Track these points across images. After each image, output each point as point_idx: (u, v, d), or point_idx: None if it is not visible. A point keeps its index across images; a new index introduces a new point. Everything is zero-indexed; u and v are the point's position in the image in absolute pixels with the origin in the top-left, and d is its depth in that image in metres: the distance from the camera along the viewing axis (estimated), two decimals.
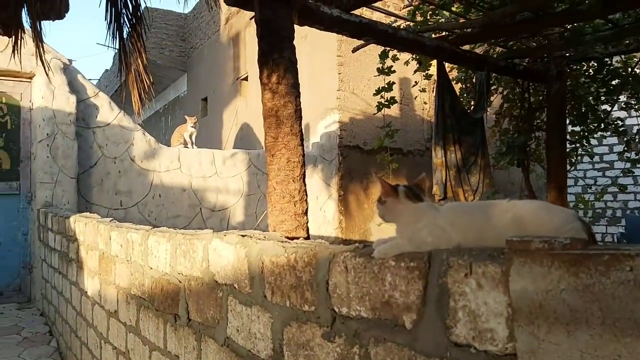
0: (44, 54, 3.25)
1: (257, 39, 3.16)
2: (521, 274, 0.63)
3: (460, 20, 4.85)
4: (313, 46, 7.30)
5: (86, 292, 2.71)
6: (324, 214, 6.85)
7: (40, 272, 4.53)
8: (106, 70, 17.83)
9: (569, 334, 0.57)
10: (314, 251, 1.07)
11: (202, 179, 5.96)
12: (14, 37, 3.16)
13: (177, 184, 5.77)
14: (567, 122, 5.69)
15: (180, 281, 1.62)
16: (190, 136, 6.72)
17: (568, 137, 5.75)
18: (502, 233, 0.72)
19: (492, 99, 6.11)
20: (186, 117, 6.96)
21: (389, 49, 5.20)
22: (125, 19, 3.37)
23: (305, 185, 3.12)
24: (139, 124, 5.85)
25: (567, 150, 5.68)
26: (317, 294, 1.03)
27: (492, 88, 5.99)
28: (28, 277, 4.86)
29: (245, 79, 10.09)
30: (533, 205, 0.88)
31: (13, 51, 3.18)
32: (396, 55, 5.43)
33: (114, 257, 2.26)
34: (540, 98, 6.01)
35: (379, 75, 5.46)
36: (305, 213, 3.05)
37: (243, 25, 9.89)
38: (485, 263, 0.69)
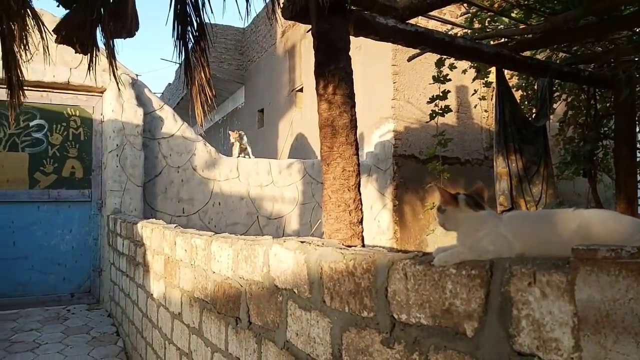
0: (116, 70, 3.47)
1: (313, 51, 3.24)
2: (587, 282, 0.62)
3: (521, 26, 4.72)
4: (368, 56, 7.33)
5: (152, 294, 2.86)
6: (379, 224, 6.81)
7: (108, 275, 4.80)
8: (169, 84, 18.66)
9: (639, 344, 0.56)
10: (372, 258, 1.08)
11: (259, 187, 6.11)
12: (89, 54, 3.40)
13: (236, 193, 5.95)
14: (637, 129, 5.38)
15: (241, 285, 1.68)
16: (239, 149, 6.91)
17: (638, 145, 5.43)
18: (568, 242, 0.71)
19: (555, 106, 5.88)
20: (229, 132, 7.19)
21: (445, 57, 5.14)
22: (191, 35, 3.55)
23: (360, 194, 3.14)
24: (200, 135, 6.10)
25: (638, 159, 5.37)
26: (376, 300, 1.05)
27: (555, 95, 5.77)
28: (97, 280, 5.17)
29: (301, 90, 10.27)
30: (601, 214, 0.85)
31: (89, 68, 3.42)
32: (453, 63, 5.36)
33: (179, 262, 2.37)
34: (608, 105, 5.73)
35: (434, 83, 5.41)
36: (360, 222, 3.07)
37: (298, 38, 10.09)
38: (550, 272, 0.69)
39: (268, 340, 1.48)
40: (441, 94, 5.35)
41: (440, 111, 5.38)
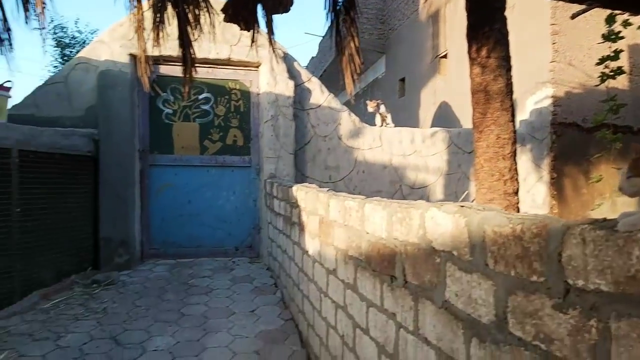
0: (274, 44, 3.74)
1: (458, 15, 3.11)
2: None
3: None
4: (522, 15, 6.75)
5: (307, 251, 3.10)
6: (533, 198, 6.38)
7: (266, 232, 5.29)
8: (312, 57, 19.31)
9: None
10: (543, 223, 1.06)
11: (402, 157, 6.12)
12: (251, 31, 3.71)
13: (379, 161, 6.06)
14: None
15: (395, 246, 1.75)
16: (381, 118, 6.97)
17: None
18: None
19: None
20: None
21: (617, 12, 4.52)
22: (341, 6, 3.65)
23: (515, 163, 2.99)
24: (349, 101, 6.28)
25: None
26: (547, 265, 1.03)
27: None
28: (257, 237, 5.73)
29: (445, 56, 9.87)
30: None
31: (251, 44, 3.74)
32: (628, 19, 4.69)
33: (332, 222, 2.53)
34: None
35: (603, 42, 4.81)
36: (516, 193, 2.93)
37: (443, 2, 9.65)
38: None
39: (425, 299, 1.53)
40: (612, 54, 4.73)
41: (612, 73, 4.77)
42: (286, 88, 5.64)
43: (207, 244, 5.64)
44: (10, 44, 3.74)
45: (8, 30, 3.73)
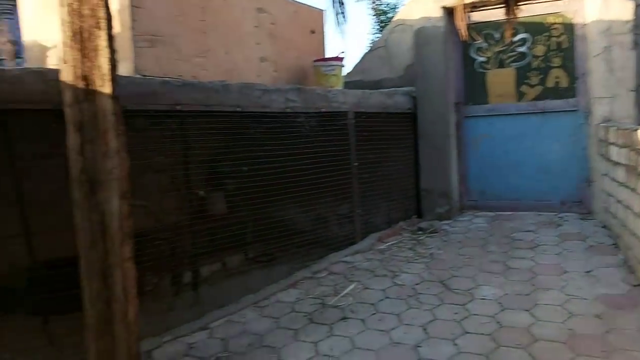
0: None
1: None
2: None
3: None
4: None
5: None
6: None
7: (600, 185, 4.61)
8: None
9: None
10: None
11: None
12: None
13: None
14: None
15: None
16: None
17: None
18: None
19: None
20: None
21: None
22: None
23: None
24: None
25: None
26: None
27: None
28: (587, 191, 4.99)
29: None
30: None
31: None
32: None
33: None
34: None
35: None
36: None
37: None
38: None
39: None
40: None
41: None
42: (622, 11, 4.66)
43: (527, 197, 5.30)
44: (344, 17, 4.28)
45: (341, 4, 4.27)
